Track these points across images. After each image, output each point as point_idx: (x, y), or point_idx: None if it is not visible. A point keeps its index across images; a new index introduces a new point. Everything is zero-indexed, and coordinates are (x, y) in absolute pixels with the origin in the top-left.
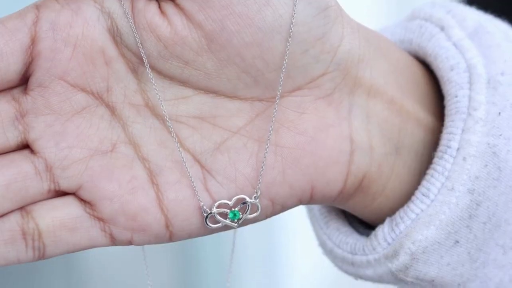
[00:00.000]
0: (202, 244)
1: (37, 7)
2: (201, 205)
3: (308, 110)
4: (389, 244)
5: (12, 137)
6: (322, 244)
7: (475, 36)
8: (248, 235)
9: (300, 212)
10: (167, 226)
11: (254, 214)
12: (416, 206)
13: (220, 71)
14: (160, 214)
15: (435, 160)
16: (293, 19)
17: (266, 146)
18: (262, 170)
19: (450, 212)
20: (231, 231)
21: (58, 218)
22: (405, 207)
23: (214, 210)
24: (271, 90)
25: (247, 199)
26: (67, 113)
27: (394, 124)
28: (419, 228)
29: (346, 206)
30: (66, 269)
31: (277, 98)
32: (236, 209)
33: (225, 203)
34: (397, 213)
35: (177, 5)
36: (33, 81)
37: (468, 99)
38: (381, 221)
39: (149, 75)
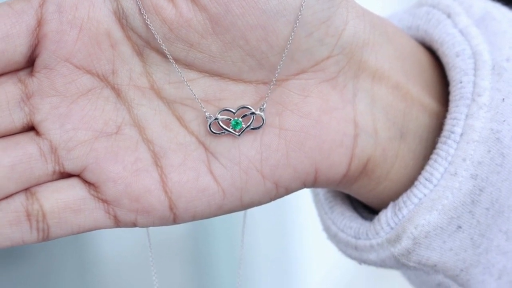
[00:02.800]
0: (213, 247)
1: None
2: (205, 113)
3: (312, 93)
4: (392, 228)
5: (18, 119)
6: (327, 229)
7: (482, 23)
8: (260, 238)
9: (312, 212)
10: (171, 208)
11: (258, 125)
12: (419, 190)
13: (224, 53)
14: (164, 196)
15: (439, 145)
16: (303, 2)
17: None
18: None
19: (452, 197)
20: (240, 232)
21: (62, 200)
22: (408, 191)
23: (218, 116)
24: (276, 73)
25: (252, 109)
26: (72, 95)
27: (399, 109)
28: (422, 213)
29: (350, 190)
30: (77, 273)
31: (273, 80)
32: (240, 118)
33: (229, 111)
34: (400, 198)
35: None
36: (39, 63)
37: (473, 85)
38: (386, 205)
39: (163, 49)
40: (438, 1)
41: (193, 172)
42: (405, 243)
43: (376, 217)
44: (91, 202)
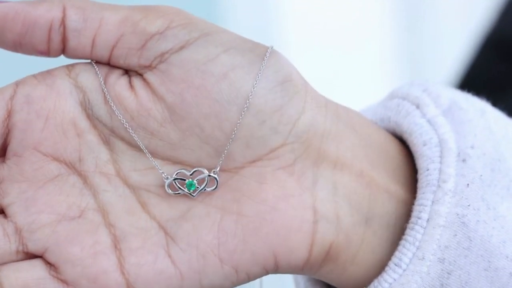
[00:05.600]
0: None
1: (16, 83)
2: (162, 174)
3: (269, 181)
4: None
5: None
6: None
7: (449, 112)
8: None
9: None
10: None
11: (212, 188)
12: (389, 275)
13: (183, 141)
14: (121, 277)
15: (407, 231)
16: (252, 91)
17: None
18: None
19: (421, 281)
20: None
21: (21, 279)
22: (379, 277)
23: (174, 176)
24: (233, 160)
25: (205, 172)
26: (39, 180)
27: (364, 196)
28: None
29: (318, 275)
30: None
31: (222, 156)
32: (194, 180)
33: (184, 173)
34: (371, 284)
35: (144, 79)
36: (9, 151)
37: (439, 172)
38: None
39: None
40: (407, 92)
41: (151, 255)
42: None
43: None
44: (50, 283)
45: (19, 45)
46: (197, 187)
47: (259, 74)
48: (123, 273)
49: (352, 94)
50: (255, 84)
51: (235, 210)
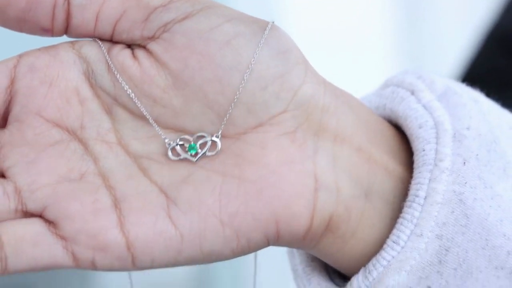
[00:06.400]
0: None
1: (20, 55)
2: (164, 139)
3: (270, 146)
4: None
5: None
6: None
7: (443, 97)
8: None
9: None
10: (128, 248)
11: (213, 152)
12: (387, 253)
13: (186, 107)
14: (121, 235)
15: (404, 209)
16: (255, 57)
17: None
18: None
19: (420, 258)
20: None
21: (20, 232)
22: (377, 255)
23: (177, 142)
24: (234, 126)
25: (207, 136)
26: (41, 145)
27: (363, 171)
28: (391, 274)
29: (317, 249)
30: None
31: (224, 120)
32: (196, 144)
33: (186, 139)
34: (370, 262)
35: (147, 50)
36: (11, 117)
37: (435, 152)
38: (356, 268)
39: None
40: (402, 80)
41: (151, 216)
42: None
43: (349, 282)
44: (49, 237)
45: (23, 22)
46: (198, 151)
47: (261, 42)
48: (123, 231)
49: (352, 91)
50: (258, 50)
51: (237, 174)
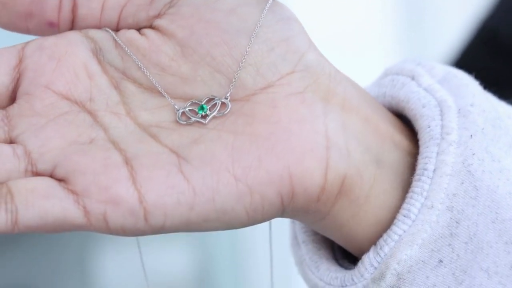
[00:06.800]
0: None
1: (27, 41)
2: (174, 105)
3: (281, 105)
4: (375, 268)
5: None
6: (314, 286)
7: (444, 81)
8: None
9: None
10: (140, 201)
11: (223, 111)
12: (398, 227)
13: (194, 73)
14: (133, 188)
15: (413, 183)
16: (260, 21)
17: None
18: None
19: (431, 230)
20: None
21: (30, 185)
22: (388, 230)
23: (187, 107)
24: (244, 88)
25: (217, 97)
26: (50, 115)
27: (372, 139)
28: (403, 248)
29: (332, 216)
30: None
31: (233, 81)
32: (206, 105)
33: (197, 103)
34: (381, 238)
35: (153, 27)
36: (20, 92)
37: (441, 127)
38: (368, 244)
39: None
40: (401, 68)
41: (163, 171)
42: (389, 280)
43: (360, 261)
44: (60, 191)
45: (30, 17)
46: (208, 113)
47: (266, 9)
48: (134, 184)
49: None
50: (263, 15)
51: (248, 132)
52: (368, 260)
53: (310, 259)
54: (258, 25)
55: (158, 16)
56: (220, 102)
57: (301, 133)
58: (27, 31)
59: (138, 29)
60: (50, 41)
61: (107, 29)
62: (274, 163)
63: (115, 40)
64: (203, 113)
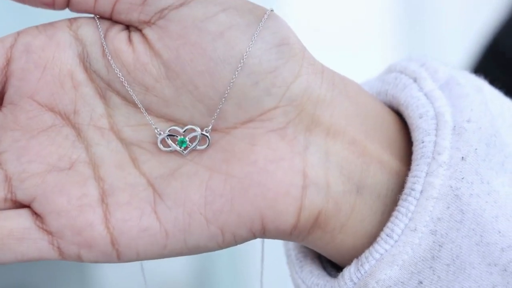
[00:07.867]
0: None
1: (18, 33)
2: (155, 129)
3: (259, 142)
4: (354, 284)
5: None
6: (297, 286)
7: (446, 87)
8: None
9: None
10: (113, 244)
11: (203, 146)
12: (381, 246)
13: (177, 98)
14: (105, 231)
15: (400, 202)
16: (247, 51)
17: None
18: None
19: (412, 253)
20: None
21: (6, 227)
22: (370, 248)
23: (167, 132)
24: (225, 120)
25: (197, 130)
26: (33, 129)
27: (356, 165)
28: (383, 268)
29: (306, 242)
30: None
31: (214, 115)
32: (186, 138)
33: (177, 130)
34: (363, 254)
35: (142, 35)
36: (6, 99)
37: (434, 144)
38: (347, 260)
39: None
40: (405, 67)
41: (137, 211)
42: None
43: (340, 273)
44: (35, 232)
45: None
46: (189, 145)
47: (256, 35)
48: (108, 227)
49: None
50: (251, 44)
51: (224, 170)
52: (348, 275)
53: (295, 256)
54: (245, 56)
55: (149, 23)
56: (200, 136)
57: (277, 174)
58: (23, 1)
59: (130, 29)
60: (38, 42)
61: (99, 25)
62: (245, 207)
63: (103, 46)
64: (183, 147)
